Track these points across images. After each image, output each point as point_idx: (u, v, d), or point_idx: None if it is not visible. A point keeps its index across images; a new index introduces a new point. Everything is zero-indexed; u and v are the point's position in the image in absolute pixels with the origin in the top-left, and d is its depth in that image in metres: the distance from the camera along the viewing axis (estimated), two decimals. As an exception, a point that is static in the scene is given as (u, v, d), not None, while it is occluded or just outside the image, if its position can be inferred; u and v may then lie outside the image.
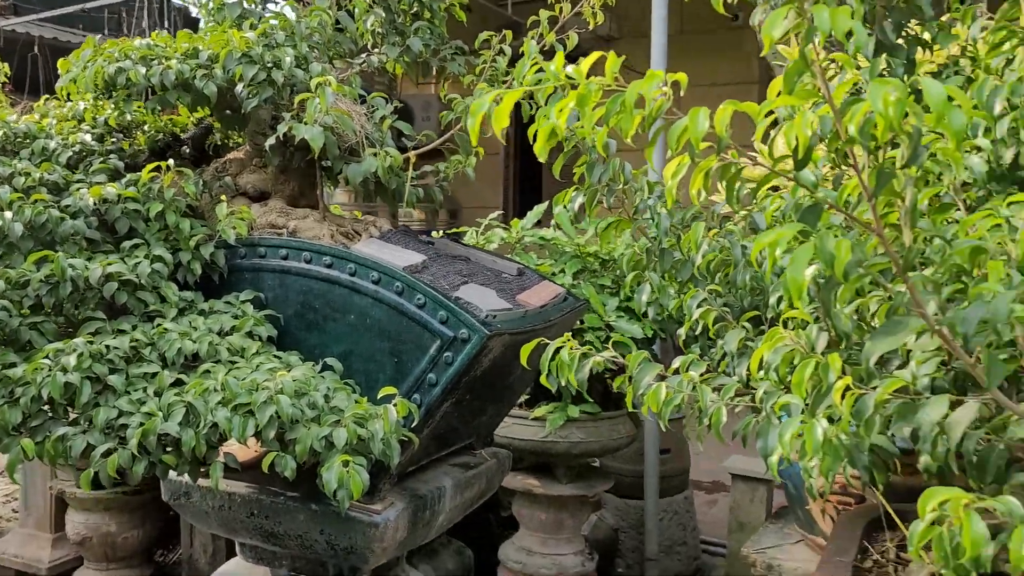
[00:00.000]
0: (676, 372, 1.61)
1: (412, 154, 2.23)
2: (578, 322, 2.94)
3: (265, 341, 2.07)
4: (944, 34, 1.75)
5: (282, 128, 2.10)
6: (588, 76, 1.25)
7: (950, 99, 1.03)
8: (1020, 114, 1.50)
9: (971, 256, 1.25)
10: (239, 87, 2.17)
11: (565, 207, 1.84)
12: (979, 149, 1.48)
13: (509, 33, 2.52)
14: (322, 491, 1.77)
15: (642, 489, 3.88)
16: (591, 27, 2.42)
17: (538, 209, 3.46)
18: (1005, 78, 1.46)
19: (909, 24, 1.86)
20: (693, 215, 1.82)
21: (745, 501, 3.77)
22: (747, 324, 1.62)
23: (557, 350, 1.55)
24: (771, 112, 1.14)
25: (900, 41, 1.87)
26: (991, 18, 1.59)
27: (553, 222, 3.55)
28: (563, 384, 1.60)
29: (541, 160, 1.69)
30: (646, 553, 3.88)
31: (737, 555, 3.24)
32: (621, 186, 1.77)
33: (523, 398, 3.27)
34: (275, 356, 2.03)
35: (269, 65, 2.16)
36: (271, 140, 2.17)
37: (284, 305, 2.15)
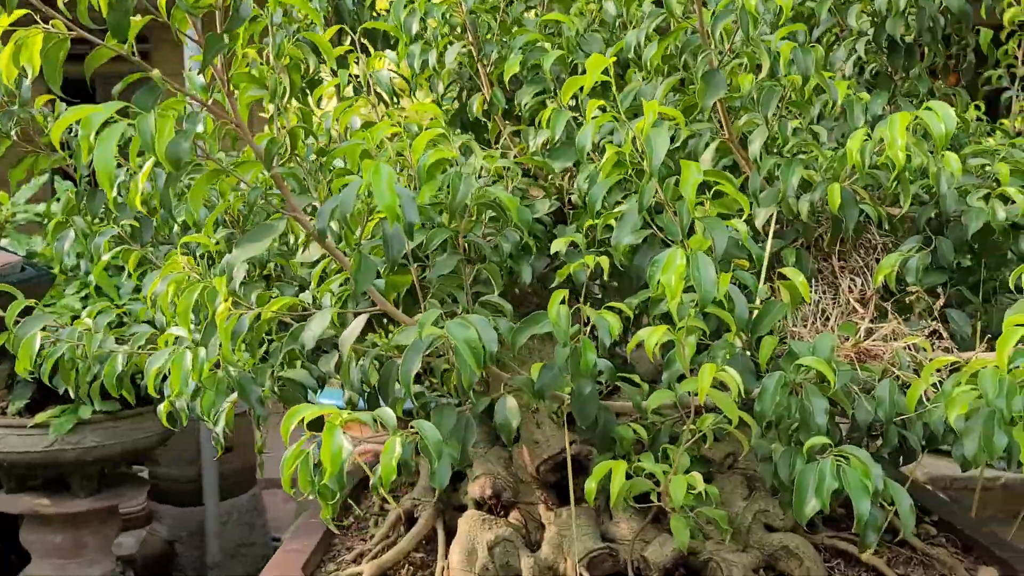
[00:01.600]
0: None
1: None
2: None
3: None
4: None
5: None
6: None
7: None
8: (441, 50, 1.49)
9: (360, 157, 1.16)
10: None
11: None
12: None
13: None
14: None
15: (202, 494, 3.53)
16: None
17: (37, 181, 2.93)
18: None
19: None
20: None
21: (310, 488, 3.60)
22: (172, 263, 1.40)
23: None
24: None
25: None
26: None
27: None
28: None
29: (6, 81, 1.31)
30: (208, 560, 3.54)
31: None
32: (19, 113, 1.44)
33: (23, 403, 2.75)
34: None
35: None
36: None
37: None
